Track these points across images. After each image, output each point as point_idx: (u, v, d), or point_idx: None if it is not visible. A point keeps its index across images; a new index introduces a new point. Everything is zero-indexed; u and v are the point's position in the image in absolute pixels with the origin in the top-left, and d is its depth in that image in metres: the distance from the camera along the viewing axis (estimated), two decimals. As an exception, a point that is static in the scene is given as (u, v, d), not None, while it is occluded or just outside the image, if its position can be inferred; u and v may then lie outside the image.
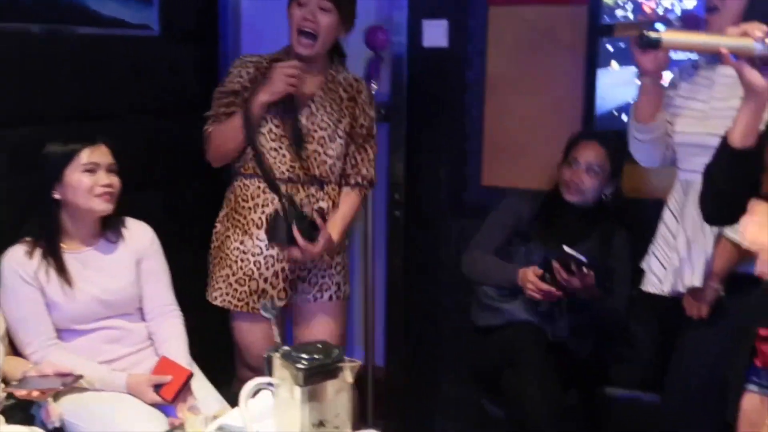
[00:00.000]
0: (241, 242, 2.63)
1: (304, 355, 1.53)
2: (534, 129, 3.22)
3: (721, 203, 1.80)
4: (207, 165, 2.77)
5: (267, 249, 2.60)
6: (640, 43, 1.70)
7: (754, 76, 1.64)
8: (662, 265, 2.34)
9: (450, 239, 3.35)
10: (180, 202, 3.24)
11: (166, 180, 3.16)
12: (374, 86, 3.03)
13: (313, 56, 2.57)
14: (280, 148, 2.58)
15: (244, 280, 2.62)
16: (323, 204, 2.61)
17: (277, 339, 1.81)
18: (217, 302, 2.68)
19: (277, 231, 2.47)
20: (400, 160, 3.34)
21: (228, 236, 2.66)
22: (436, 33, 3.21)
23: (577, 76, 3.08)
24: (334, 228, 2.60)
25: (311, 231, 2.46)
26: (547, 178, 2.97)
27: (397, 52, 3.24)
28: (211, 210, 3.26)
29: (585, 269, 2.60)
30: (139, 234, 2.47)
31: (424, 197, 3.39)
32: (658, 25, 2.11)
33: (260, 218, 2.61)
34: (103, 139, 2.36)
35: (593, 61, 3.01)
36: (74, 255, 2.35)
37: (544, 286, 2.66)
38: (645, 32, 1.64)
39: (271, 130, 2.58)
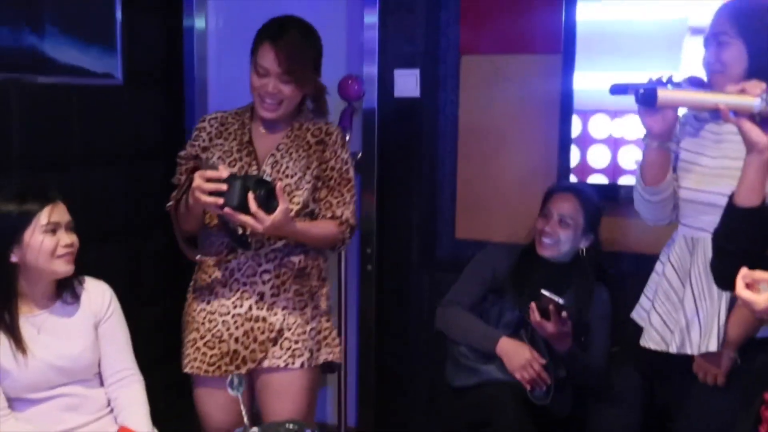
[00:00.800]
0: (207, 302, 2.49)
1: (274, 437, 1.42)
2: (508, 180, 3.17)
3: (732, 266, 1.73)
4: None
5: (234, 308, 2.46)
6: (636, 99, 1.65)
7: (755, 132, 1.62)
8: (664, 321, 2.29)
9: (423, 294, 3.27)
10: (143, 255, 3.14)
11: (129, 231, 3.07)
12: (348, 137, 2.94)
13: (279, 118, 2.47)
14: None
15: (214, 342, 2.46)
16: None
17: (246, 419, 1.68)
18: (187, 369, 2.49)
19: (230, 193, 2.19)
20: (372, 212, 3.26)
21: (195, 297, 2.52)
22: (407, 83, 3.16)
23: (551, 127, 3.03)
24: (301, 224, 2.38)
25: (268, 200, 2.20)
26: (521, 232, 2.91)
27: (368, 102, 3.19)
28: (177, 262, 3.15)
29: (563, 313, 2.53)
30: (97, 295, 2.34)
31: (396, 250, 3.31)
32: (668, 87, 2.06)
33: (223, 275, 2.47)
34: (60, 194, 2.24)
35: (568, 112, 2.96)
36: (28, 319, 2.21)
37: (544, 375, 2.61)
38: (642, 89, 1.59)
39: None
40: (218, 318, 2.46)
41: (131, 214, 3.04)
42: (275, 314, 2.45)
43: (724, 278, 1.82)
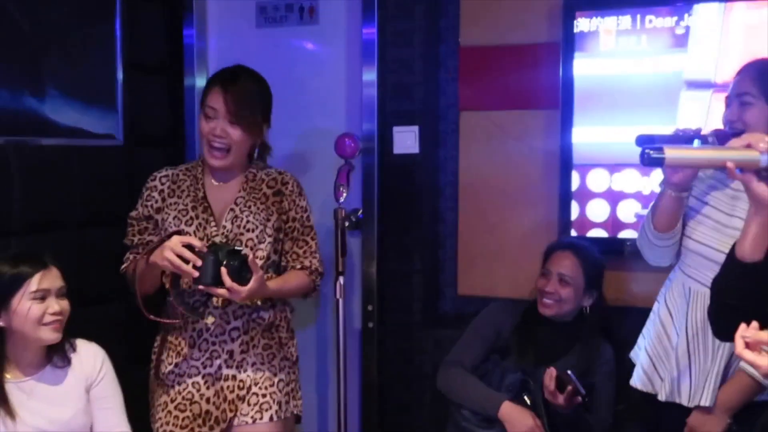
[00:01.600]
0: (176, 365, 2.46)
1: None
2: (510, 235, 3.16)
3: (731, 318, 1.70)
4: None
5: (204, 368, 2.44)
6: (642, 161, 1.58)
7: (761, 188, 1.59)
8: (653, 363, 2.28)
9: (426, 351, 3.23)
10: (141, 316, 3.12)
11: (129, 291, 3.05)
12: (344, 194, 2.94)
13: (228, 166, 2.45)
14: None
15: (185, 405, 2.44)
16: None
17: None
18: None
19: (204, 269, 2.20)
20: (373, 269, 3.24)
21: (162, 360, 2.49)
22: (406, 140, 3.16)
23: (551, 181, 3.02)
24: (273, 283, 2.41)
25: (241, 270, 2.22)
26: (525, 287, 2.87)
27: (367, 159, 3.19)
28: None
29: (578, 398, 2.50)
30: (88, 357, 2.32)
31: (398, 307, 3.27)
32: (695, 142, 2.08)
33: (191, 336, 2.45)
34: (54, 260, 2.24)
35: (568, 166, 2.95)
36: (17, 384, 2.19)
37: None
38: (647, 150, 1.54)
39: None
40: (188, 380, 2.44)
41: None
42: (245, 371, 2.45)
43: (723, 331, 1.79)
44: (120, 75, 3.08)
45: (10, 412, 2.14)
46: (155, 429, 2.48)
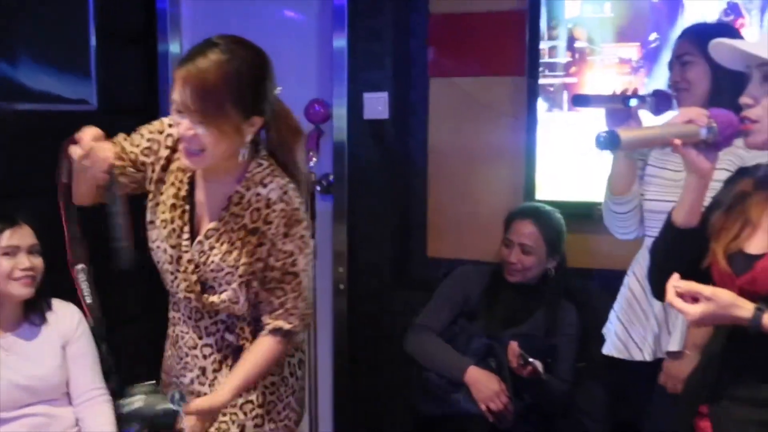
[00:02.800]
0: (168, 363, 2.17)
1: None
2: (477, 198, 3.22)
3: (664, 279, 1.79)
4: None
5: (182, 377, 2.10)
6: (598, 145, 1.60)
7: (700, 160, 1.67)
8: (626, 329, 2.36)
9: (396, 312, 3.29)
10: (115, 282, 3.16)
11: (105, 254, 3.10)
12: (314, 159, 2.99)
13: (208, 166, 1.89)
14: (177, 271, 1.96)
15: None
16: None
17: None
18: None
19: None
20: (343, 232, 3.30)
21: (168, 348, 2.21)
22: (376, 105, 3.21)
23: (518, 145, 3.09)
24: (231, 380, 1.95)
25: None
26: (493, 249, 2.94)
27: (338, 124, 3.24)
28: (150, 290, 3.18)
29: (540, 376, 2.56)
30: (65, 316, 2.38)
31: (368, 269, 3.34)
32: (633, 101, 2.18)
33: (171, 339, 2.11)
34: (26, 219, 2.29)
35: (533, 130, 3.02)
36: (-6, 340, 2.26)
37: (510, 407, 2.63)
38: (602, 134, 1.61)
39: (165, 251, 1.96)
40: (175, 380, 2.14)
41: (106, 237, 3.08)
42: (215, 389, 2.03)
43: (656, 288, 1.88)
44: (93, 41, 3.10)
45: (-13, 368, 2.21)
46: None
